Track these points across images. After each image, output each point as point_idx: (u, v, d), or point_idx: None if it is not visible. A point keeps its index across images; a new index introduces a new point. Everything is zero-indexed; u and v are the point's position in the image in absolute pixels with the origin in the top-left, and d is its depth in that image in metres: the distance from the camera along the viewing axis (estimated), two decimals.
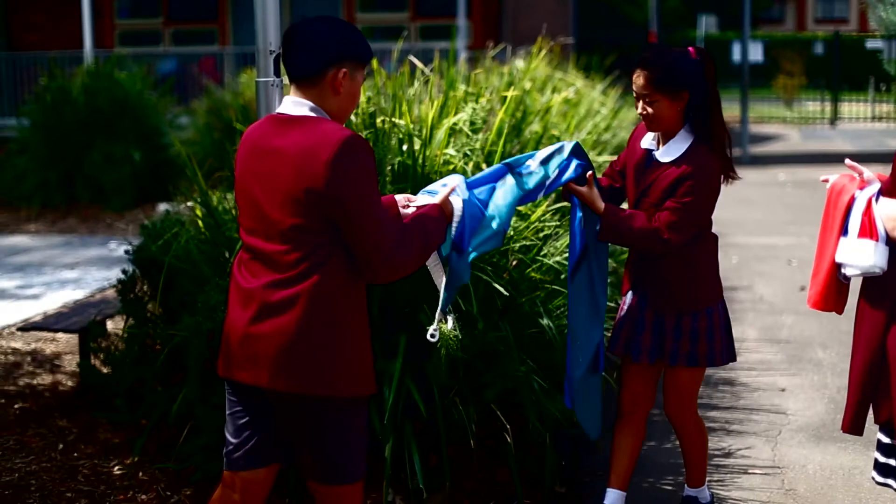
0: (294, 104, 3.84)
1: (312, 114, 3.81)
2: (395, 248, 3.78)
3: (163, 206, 12.57)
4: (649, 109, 4.74)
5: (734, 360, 4.95)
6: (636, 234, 4.72)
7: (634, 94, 4.83)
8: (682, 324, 4.84)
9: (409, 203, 4.26)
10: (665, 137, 4.84)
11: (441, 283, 4.40)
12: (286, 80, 3.93)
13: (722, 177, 4.84)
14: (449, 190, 4.29)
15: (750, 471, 5.89)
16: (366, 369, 3.88)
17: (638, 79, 4.75)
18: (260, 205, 3.79)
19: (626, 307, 4.99)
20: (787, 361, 7.90)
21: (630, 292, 4.99)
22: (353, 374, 3.82)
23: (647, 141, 4.91)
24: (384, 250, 3.75)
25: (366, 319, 3.90)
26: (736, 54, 27.45)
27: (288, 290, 3.72)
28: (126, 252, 6.66)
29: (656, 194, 4.78)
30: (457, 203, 4.30)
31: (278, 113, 3.88)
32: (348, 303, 3.80)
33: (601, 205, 4.74)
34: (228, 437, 4.00)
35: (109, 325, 7.57)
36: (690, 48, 4.79)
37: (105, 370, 6.78)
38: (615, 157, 5.53)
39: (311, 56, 3.80)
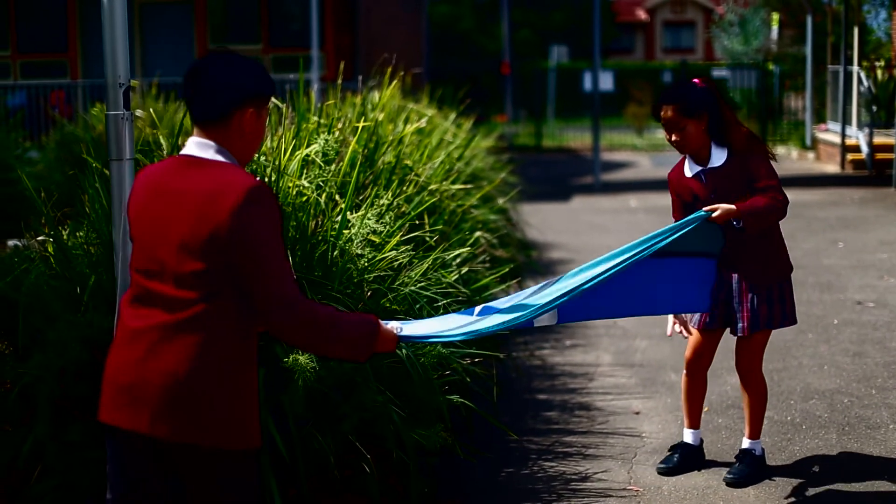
0: (198, 146, 3.72)
1: (219, 157, 3.69)
2: (297, 300, 3.66)
3: (12, 243, 12.29)
4: (680, 135, 5.69)
5: (795, 322, 5.96)
6: (769, 208, 5.54)
7: (664, 126, 5.75)
8: (771, 293, 5.80)
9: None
10: (700, 160, 5.80)
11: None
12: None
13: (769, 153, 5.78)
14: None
15: (607, 493, 5.96)
16: (253, 423, 3.73)
17: (666, 112, 5.69)
18: (155, 246, 3.66)
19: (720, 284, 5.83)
20: (641, 385, 8.00)
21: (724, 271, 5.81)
22: (240, 427, 3.67)
23: (690, 170, 5.84)
24: (286, 300, 3.63)
25: (255, 373, 3.76)
26: (587, 83, 27.91)
27: (178, 334, 3.59)
28: None
29: (736, 189, 5.65)
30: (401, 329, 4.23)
31: (182, 154, 3.74)
32: (239, 353, 3.67)
33: (733, 207, 5.46)
34: (109, 489, 3.84)
35: None
36: (695, 80, 5.76)
37: None
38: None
39: (216, 98, 3.70)
